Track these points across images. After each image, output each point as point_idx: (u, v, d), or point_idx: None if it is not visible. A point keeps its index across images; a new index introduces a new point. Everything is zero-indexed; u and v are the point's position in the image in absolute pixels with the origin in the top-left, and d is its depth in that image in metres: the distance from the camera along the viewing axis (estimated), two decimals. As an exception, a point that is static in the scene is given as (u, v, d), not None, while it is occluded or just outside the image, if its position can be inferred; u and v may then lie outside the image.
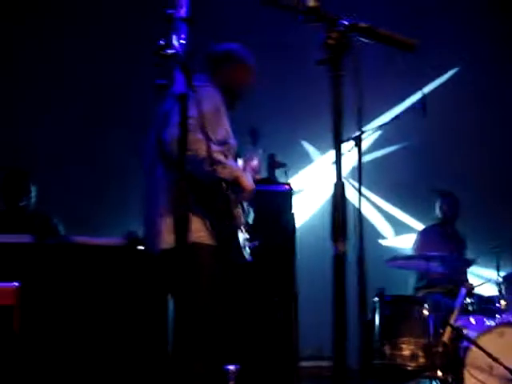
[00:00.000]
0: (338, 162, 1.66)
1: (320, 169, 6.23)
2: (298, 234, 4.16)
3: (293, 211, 4.17)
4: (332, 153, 1.65)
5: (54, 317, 3.20)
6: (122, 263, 3.54)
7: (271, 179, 4.34)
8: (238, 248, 2.91)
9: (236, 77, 3.07)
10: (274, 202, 4.19)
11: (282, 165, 4.41)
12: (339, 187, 1.64)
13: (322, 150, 6.19)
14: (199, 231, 2.76)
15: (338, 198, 1.64)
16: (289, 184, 4.24)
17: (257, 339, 3.83)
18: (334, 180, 1.65)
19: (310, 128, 5.77)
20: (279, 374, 3.83)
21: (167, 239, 2.71)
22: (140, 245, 3.64)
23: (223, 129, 2.87)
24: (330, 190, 1.66)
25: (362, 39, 1.73)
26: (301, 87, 5.70)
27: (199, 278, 2.71)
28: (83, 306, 3.36)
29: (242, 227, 2.96)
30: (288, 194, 4.20)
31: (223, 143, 2.87)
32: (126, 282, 3.49)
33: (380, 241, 6.28)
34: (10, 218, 4.17)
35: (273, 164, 4.40)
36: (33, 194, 4.27)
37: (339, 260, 1.62)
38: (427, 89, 6.12)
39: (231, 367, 2.52)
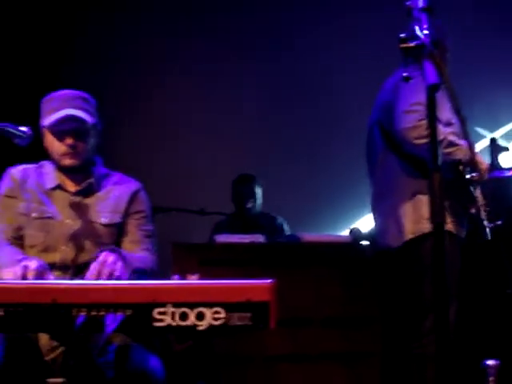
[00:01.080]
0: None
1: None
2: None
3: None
4: None
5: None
6: (350, 260, 3.58)
7: (494, 165, 4.13)
8: (482, 228, 2.81)
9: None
10: (499, 188, 3.98)
11: (505, 149, 4.18)
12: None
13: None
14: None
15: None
16: (513, 169, 4.01)
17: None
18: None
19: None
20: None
21: (412, 229, 2.71)
22: (364, 240, 3.68)
23: (447, 109, 2.80)
24: None
25: None
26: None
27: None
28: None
29: (482, 208, 2.86)
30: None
31: (449, 124, 2.81)
32: (358, 279, 3.50)
33: None
34: (240, 219, 4.41)
35: (495, 149, 4.18)
36: (258, 195, 4.50)
37: None
38: None
39: (491, 362, 2.43)
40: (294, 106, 5.60)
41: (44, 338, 2.22)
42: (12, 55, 5.08)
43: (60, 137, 2.39)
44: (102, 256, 2.14)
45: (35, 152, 2.45)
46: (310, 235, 3.60)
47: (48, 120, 2.38)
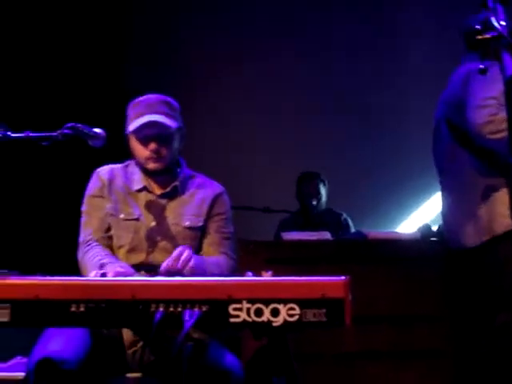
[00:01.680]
0: None
1: None
2: None
3: None
4: None
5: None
6: (418, 257, 3.54)
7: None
8: None
9: None
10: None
11: None
12: None
13: None
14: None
15: None
16: None
17: None
18: None
19: None
20: None
21: (489, 228, 2.66)
22: (433, 237, 3.63)
23: None
24: None
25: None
26: None
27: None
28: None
29: None
30: None
31: None
32: (427, 276, 3.46)
33: None
34: (305, 217, 4.41)
35: None
36: (323, 192, 4.49)
37: None
38: None
39: None
40: (355, 102, 5.57)
41: (127, 333, 2.28)
42: (80, 59, 5.21)
43: (144, 142, 2.44)
44: (177, 251, 2.20)
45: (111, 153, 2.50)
46: (376, 232, 3.59)
47: (132, 125, 2.43)
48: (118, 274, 2.12)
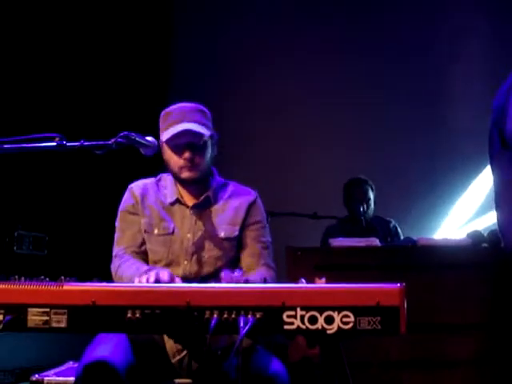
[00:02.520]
0: None
1: None
2: None
3: None
4: None
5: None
6: (469, 263, 3.48)
7: None
8: None
9: None
10: None
11: None
12: None
13: None
14: None
15: None
16: None
17: None
18: None
19: None
20: None
21: None
22: (485, 243, 3.57)
23: None
24: None
25: None
26: None
27: None
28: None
29: None
30: None
31: None
32: (478, 283, 3.41)
33: None
34: (352, 223, 4.38)
35: None
36: (371, 199, 4.45)
37: None
38: None
39: None
40: (408, 108, 5.54)
41: (170, 341, 2.29)
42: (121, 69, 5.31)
43: (178, 150, 2.44)
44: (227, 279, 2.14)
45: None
46: (426, 238, 3.55)
47: (166, 134, 2.43)
48: (171, 274, 2.10)
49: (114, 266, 2.43)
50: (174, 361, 2.29)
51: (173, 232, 2.44)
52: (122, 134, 2.17)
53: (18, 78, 4.76)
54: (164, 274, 2.04)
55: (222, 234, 2.46)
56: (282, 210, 4.10)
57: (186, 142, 2.41)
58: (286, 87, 5.62)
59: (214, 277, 2.38)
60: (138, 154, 2.27)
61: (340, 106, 5.60)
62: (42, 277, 1.82)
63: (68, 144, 2.13)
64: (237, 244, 2.48)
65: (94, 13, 5.29)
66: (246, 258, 2.47)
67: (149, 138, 2.27)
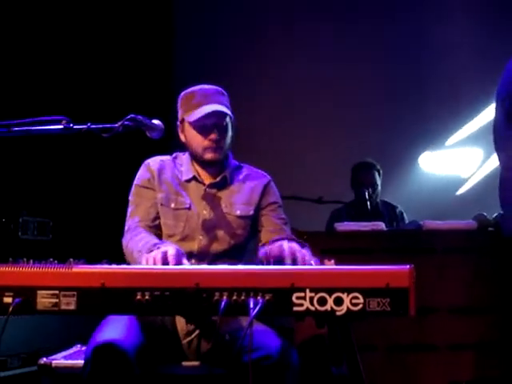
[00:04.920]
0: None
1: None
2: None
3: None
4: None
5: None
6: (475, 247, 3.48)
7: None
8: None
9: None
10: None
11: None
12: None
13: None
14: None
15: None
16: None
17: None
18: None
19: None
20: None
21: None
22: (491, 227, 3.57)
23: None
24: None
25: None
26: None
27: None
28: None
29: None
30: None
31: None
32: (483, 267, 3.41)
33: None
34: (358, 207, 4.37)
35: None
36: (378, 183, 4.44)
37: None
38: None
39: None
40: (409, 94, 5.53)
41: (181, 323, 2.30)
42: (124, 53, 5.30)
43: (204, 131, 2.45)
44: (287, 245, 2.11)
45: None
46: (432, 222, 3.52)
47: (193, 115, 2.44)
48: (178, 251, 2.08)
49: (125, 240, 2.43)
50: (184, 342, 2.30)
51: (189, 207, 2.46)
52: (128, 117, 2.17)
53: (25, 62, 4.75)
54: (170, 257, 2.03)
55: (238, 213, 2.48)
56: (287, 194, 4.09)
57: (212, 123, 2.44)
58: (287, 74, 5.60)
59: (226, 254, 2.41)
60: (144, 138, 2.26)
61: (344, 88, 5.58)
62: (51, 259, 1.82)
63: (75, 127, 2.13)
64: (252, 224, 2.51)
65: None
66: (268, 234, 2.48)
67: (155, 121, 2.27)
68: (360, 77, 5.56)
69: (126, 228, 2.47)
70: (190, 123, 2.48)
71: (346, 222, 3.66)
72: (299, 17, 5.72)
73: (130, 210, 2.52)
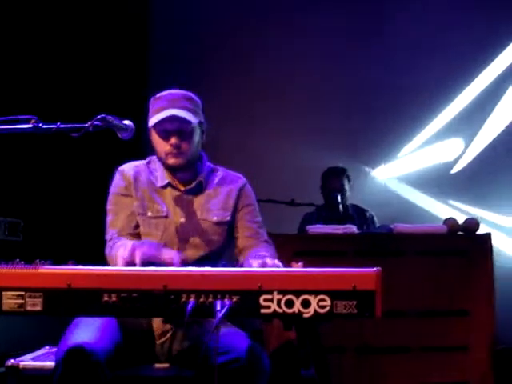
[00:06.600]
0: None
1: None
2: None
3: None
4: None
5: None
6: (445, 250, 3.52)
7: None
8: None
9: None
10: None
11: None
12: None
13: None
14: None
15: None
16: None
17: None
18: None
19: None
20: None
21: None
22: (460, 231, 3.60)
23: None
24: None
25: None
26: None
27: None
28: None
29: None
30: None
31: None
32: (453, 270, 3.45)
33: None
34: (329, 211, 4.40)
35: None
36: (348, 188, 4.47)
37: None
38: None
39: None
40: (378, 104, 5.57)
41: (157, 323, 2.29)
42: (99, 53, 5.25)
43: (165, 136, 2.43)
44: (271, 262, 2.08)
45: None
46: (402, 226, 3.56)
47: (153, 120, 2.42)
48: (150, 248, 2.11)
49: (107, 250, 2.40)
50: (158, 342, 2.29)
51: (166, 215, 2.44)
52: (98, 117, 2.15)
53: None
54: (139, 252, 2.03)
55: (214, 219, 2.47)
56: (259, 197, 4.08)
57: (173, 129, 2.41)
58: (267, 74, 5.59)
59: (205, 261, 2.38)
60: (114, 139, 2.24)
61: (318, 93, 5.59)
62: (18, 260, 1.80)
63: (44, 126, 2.11)
64: (228, 229, 2.49)
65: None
66: (245, 239, 2.48)
67: (126, 122, 2.25)
68: (329, 80, 5.59)
69: (108, 238, 2.45)
70: (153, 127, 2.45)
71: (317, 225, 3.67)
72: (266, 24, 5.70)
73: (109, 219, 2.48)
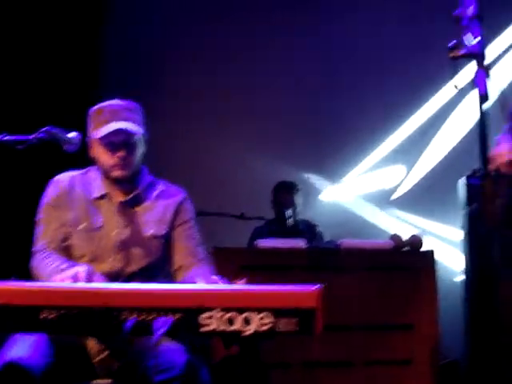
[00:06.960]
0: None
1: None
2: None
3: None
4: None
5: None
6: (391, 266, 3.57)
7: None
8: None
9: None
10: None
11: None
12: None
13: None
14: None
15: None
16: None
17: None
18: None
19: None
20: None
21: None
22: (406, 246, 3.67)
23: None
24: None
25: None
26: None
27: None
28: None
29: None
30: None
31: None
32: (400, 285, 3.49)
33: None
34: (279, 225, 4.41)
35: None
36: (298, 202, 4.49)
37: None
38: None
39: None
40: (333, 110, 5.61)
41: (92, 341, 2.25)
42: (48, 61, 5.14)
43: (110, 149, 2.40)
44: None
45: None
46: (350, 241, 3.60)
47: (99, 132, 2.39)
48: (89, 271, 2.08)
49: (33, 263, 2.35)
50: (95, 361, 2.25)
51: (99, 227, 2.40)
52: (43, 130, 2.14)
53: None
54: (81, 274, 2.00)
55: (150, 232, 2.43)
56: (208, 210, 4.07)
57: (120, 141, 2.38)
58: (215, 83, 5.57)
59: (140, 275, 2.36)
60: (58, 152, 2.22)
61: (270, 104, 5.61)
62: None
63: (-13, 139, 2.08)
64: (165, 243, 2.46)
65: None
66: (183, 258, 2.44)
67: (71, 134, 2.23)
68: (281, 91, 5.61)
69: (34, 249, 2.40)
70: (98, 140, 2.41)
71: (267, 239, 3.68)
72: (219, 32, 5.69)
73: (38, 230, 2.43)
